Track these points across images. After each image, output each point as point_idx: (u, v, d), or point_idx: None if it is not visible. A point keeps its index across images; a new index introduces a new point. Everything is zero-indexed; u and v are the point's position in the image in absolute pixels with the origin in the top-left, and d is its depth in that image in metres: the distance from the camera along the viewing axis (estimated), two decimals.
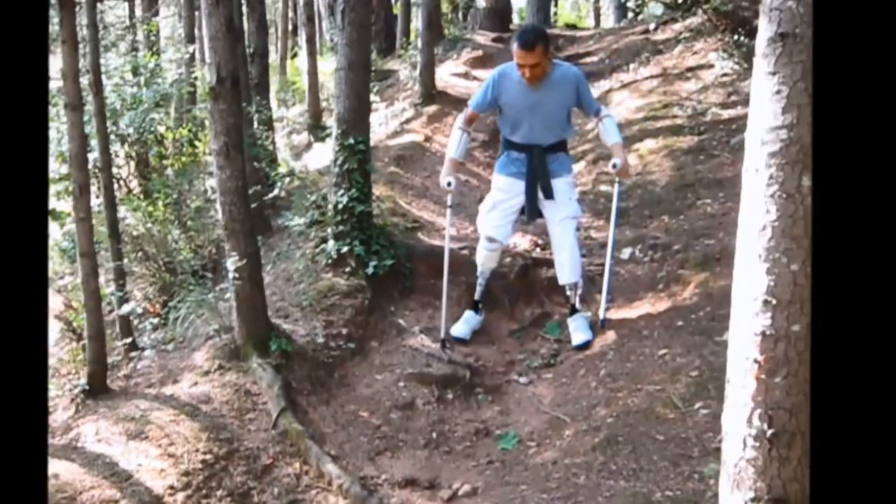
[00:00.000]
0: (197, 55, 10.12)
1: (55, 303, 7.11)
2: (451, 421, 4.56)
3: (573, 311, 5.15)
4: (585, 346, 4.94)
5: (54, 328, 5.97)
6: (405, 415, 4.56)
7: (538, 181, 4.99)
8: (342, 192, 5.42)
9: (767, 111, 2.07)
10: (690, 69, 8.96)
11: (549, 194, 4.99)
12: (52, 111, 7.73)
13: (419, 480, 4.08)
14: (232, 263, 4.50)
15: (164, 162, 8.32)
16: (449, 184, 5.09)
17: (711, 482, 3.36)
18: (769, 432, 1.92)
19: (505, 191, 5.09)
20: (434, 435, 4.44)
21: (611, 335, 4.94)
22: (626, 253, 5.81)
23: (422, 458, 4.28)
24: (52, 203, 7.74)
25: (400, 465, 4.23)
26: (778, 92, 2.06)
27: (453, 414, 4.62)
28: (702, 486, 3.38)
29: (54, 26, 5.10)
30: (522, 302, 5.49)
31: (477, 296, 5.31)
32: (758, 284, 1.95)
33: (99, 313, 4.89)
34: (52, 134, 7.68)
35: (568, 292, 5.17)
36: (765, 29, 2.06)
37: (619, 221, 5.31)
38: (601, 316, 5.05)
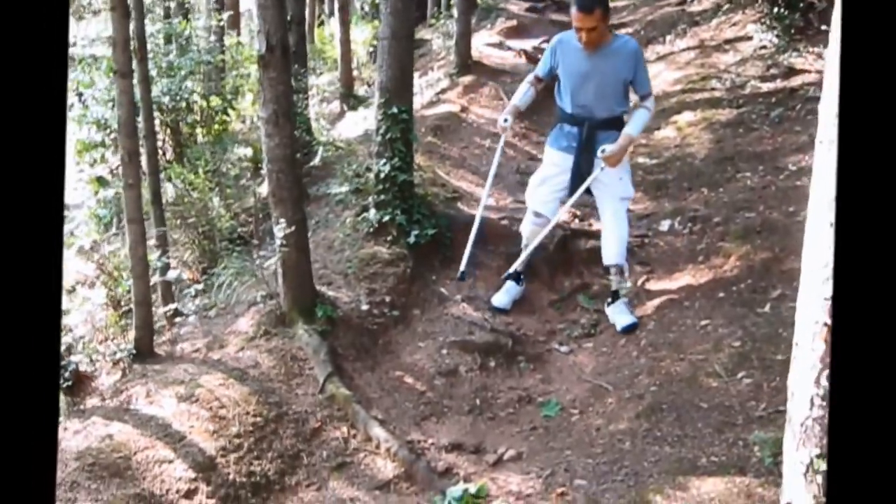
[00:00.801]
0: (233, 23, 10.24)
1: (88, 270, 7.31)
2: (494, 388, 4.70)
3: (615, 297, 5.15)
4: (632, 328, 4.93)
5: (100, 294, 6.14)
6: (449, 381, 4.71)
7: (583, 158, 4.97)
8: (384, 161, 5.55)
9: None
10: (728, 41, 8.98)
11: (588, 171, 4.95)
12: (86, 77, 7.91)
13: (465, 445, 4.23)
14: (279, 230, 4.64)
15: (197, 130, 8.47)
16: (506, 120, 5.13)
17: (756, 449, 3.49)
18: None
19: (556, 164, 5.10)
20: (477, 401, 4.59)
21: (651, 305, 5.06)
22: (664, 225, 5.91)
23: (466, 423, 4.44)
24: (87, 170, 7.94)
25: (445, 430, 4.38)
26: None
27: (496, 381, 4.76)
28: (747, 453, 3.51)
29: None
30: (562, 273, 5.60)
31: (519, 266, 5.31)
32: (827, 253, 2.06)
33: (146, 279, 5.06)
34: (88, 101, 7.86)
35: (611, 277, 5.17)
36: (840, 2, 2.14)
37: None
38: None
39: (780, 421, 3.43)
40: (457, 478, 3.96)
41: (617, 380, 4.47)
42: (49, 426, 1.45)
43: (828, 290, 2.04)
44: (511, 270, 5.22)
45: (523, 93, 5.25)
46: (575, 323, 5.22)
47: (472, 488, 3.79)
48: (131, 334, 5.12)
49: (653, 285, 5.32)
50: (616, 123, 5.00)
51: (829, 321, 2.04)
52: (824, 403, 2.05)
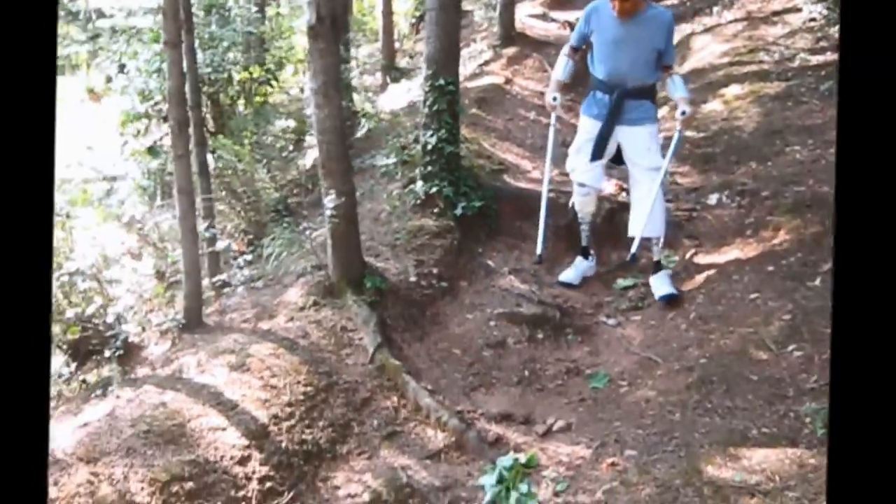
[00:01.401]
0: None
1: (132, 241, 7.47)
2: (542, 360, 4.78)
3: (657, 266, 5.21)
4: (671, 298, 4.98)
5: (147, 265, 6.29)
6: (497, 353, 4.79)
7: (610, 124, 5.06)
8: (431, 132, 5.61)
9: None
10: (776, 13, 8.90)
11: (609, 136, 5.06)
12: (129, 49, 8.03)
13: (514, 415, 4.32)
14: (329, 201, 4.73)
15: (238, 102, 8.58)
16: (554, 98, 5.26)
17: (808, 420, 3.54)
18: None
19: (588, 131, 5.18)
20: (526, 373, 4.67)
21: (700, 279, 5.10)
22: (713, 199, 5.92)
23: (515, 394, 4.52)
24: (131, 141, 8.08)
25: (494, 400, 4.47)
26: None
27: (544, 353, 4.84)
28: (798, 424, 3.56)
29: None
30: (609, 246, 5.63)
31: (583, 241, 5.46)
32: None
33: (196, 249, 5.18)
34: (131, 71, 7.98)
35: (654, 248, 5.22)
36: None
37: (669, 165, 5.28)
38: (633, 249, 5.00)
39: None
40: (507, 448, 4.04)
41: (665, 352, 4.53)
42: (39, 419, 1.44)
43: None
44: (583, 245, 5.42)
45: (563, 66, 5.34)
46: (622, 296, 5.27)
47: (523, 458, 3.87)
48: (179, 304, 5.26)
49: (701, 259, 5.35)
50: (646, 92, 5.10)
51: None
52: None
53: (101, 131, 8.61)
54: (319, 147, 4.83)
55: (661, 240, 5.23)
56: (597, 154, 5.12)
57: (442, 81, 5.58)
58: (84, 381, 5.28)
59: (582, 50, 5.30)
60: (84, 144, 8.03)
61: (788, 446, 3.41)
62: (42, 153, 1.41)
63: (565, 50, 5.38)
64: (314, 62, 4.71)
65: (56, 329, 5.53)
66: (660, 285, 5.12)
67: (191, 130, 6.16)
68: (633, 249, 5.10)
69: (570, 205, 5.53)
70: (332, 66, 4.73)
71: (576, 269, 5.44)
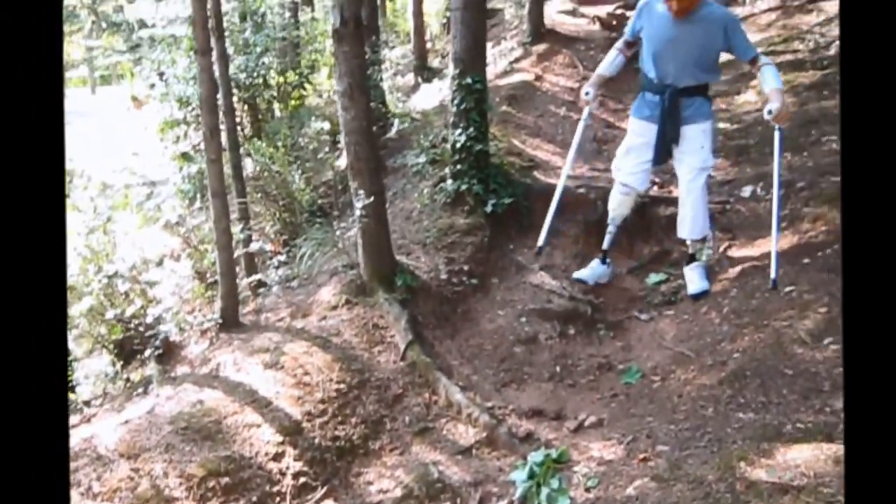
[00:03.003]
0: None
1: (175, 244, 7.54)
2: (574, 355, 4.72)
3: (691, 259, 5.13)
4: (702, 295, 4.91)
5: (186, 266, 6.34)
6: (528, 349, 4.74)
7: (668, 125, 4.89)
8: (460, 131, 5.57)
9: None
10: (811, 0, 8.72)
11: (675, 139, 4.90)
12: (167, 57, 8.11)
13: (545, 411, 4.27)
14: (359, 201, 4.71)
15: (274, 106, 8.62)
16: (587, 93, 5.11)
17: (843, 415, 3.43)
18: None
19: (639, 134, 5.04)
20: (557, 369, 4.61)
21: (733, 272, 4.99)
22: (746, 191, 5.81)
23: (546, 390, 4.47)
24: (170, 147, 8.15)
25: (526, 396, 4.42)
26: None
27: (575, 349, 4.77)
28: (833, 419, 3.45)
29: None
30: (641, 240, 5.56)
31: (605, 244, 5.31)
32: None
33: (230, 250, 5.20)
34: (170, 79, 8.06)
35: (688, 243, 5.14)
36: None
37: (781, 172, 4.97)
38: (772, 275, 4.63)
39: None
40: (538, 443, 3.99)
41: (699, 347, 4.44)
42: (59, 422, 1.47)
43: None
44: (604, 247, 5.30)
45: (611, 60, 5.21)
46: (655, 290, 5.18)
47: (554, 453, 3.82)
48: (217, 304, 5.28)
49: (735, 252, 5.24)
50: (701, 90, 4.92)
51: None
52: None
53: (144, 137, 8.72)
54: (347, 148, 4.82)
55: (711, 238, 5.17)
56: (659, 158, 5.00)
57: (469, 80, 5.53)
58: (128, 379, 5.34)
59: (635, 44, 5.16)
60: (129, 150, 8.13)
61: (824, 441, 3.30)
62: (53, 159, 1.41)
63: (618, 44, 5.22)
64: (339, 65, 4.70)
65: (102, 329, 5.60)
66: (693, 278, 5.04)
67: (224, 135, 6.21)
68: (690, 250, 5.12)
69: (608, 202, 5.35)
70: (358, 69, 4.70)
71: (592, 271, 5.30)
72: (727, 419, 3.70)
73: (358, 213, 4.75)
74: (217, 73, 6.26)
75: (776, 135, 4.92)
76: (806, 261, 4.74)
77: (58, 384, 1.46)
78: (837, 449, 3.22)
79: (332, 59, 4.80)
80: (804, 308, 4.30)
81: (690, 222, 4.99)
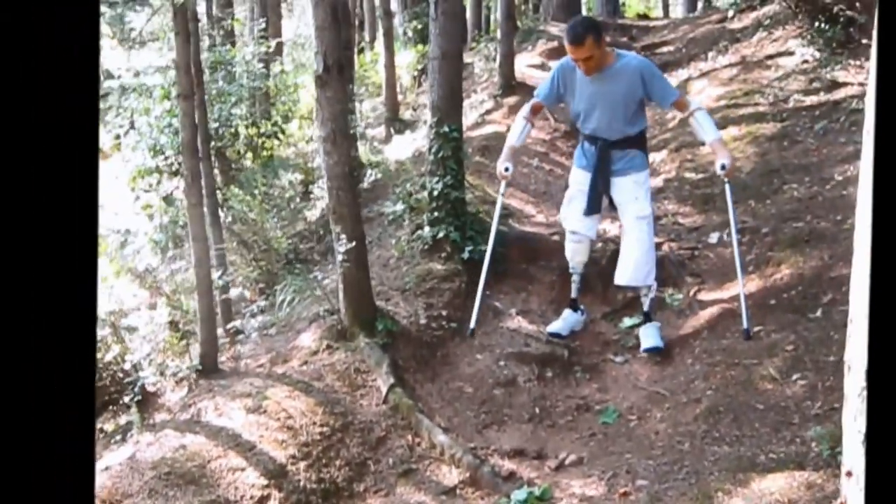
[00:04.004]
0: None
1: (144, 295, 7.62)
2: (552, 397, 4.90)
3: (646, 318, 5.24)
4: (655, 350, 5.03)
5: (163, 314, 6.42)
6: (507, 391, 4.91)
7: (599, 177, 5.05)
8: (437, 179, 5.79)
9: None
10: (770, 57, 9.16)
11: (607, 190, 5.07)
12: (139, 105, 8.28)
13: (527, 451, 4.42)
14: (341, 246, 4.89)
15: (247, 155, 8.80)
16: (507, 169, 5.25)
17: (814, 444, 3.65)
18: None
19: (580, 183, 5.20)
20: (537, 410, 4.78)
21: (704, 315, 5.23)
22: (713, 237, 6.09)
23: (527, 431, 4.63)
24: (143, 196, 8.28)
25: (507, 437, 4.58)
26: None
27: (553, 391, 4.95)
28: (804, 449, 3.68)
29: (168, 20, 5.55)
30: (614, 286, 5.75)
31: (573, 293, 5.45)
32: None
33: (210, 296, 5.33)
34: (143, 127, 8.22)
35: (643, 299, 5.26)
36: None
37: (737, 221, 5.28)
38: (744, 325, 4.83)
39: (836, 417, 3.59)
40: (520, 482, 4.13)
41: (673, 386, 4.65)
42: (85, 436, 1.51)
43: None
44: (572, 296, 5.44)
45: (519, 131, 5.35)
46: (628, 334, 5.39)
47: (537, 491, 3.98)
48: (194, 351, 5.38)
49: (704, 296, 5.49)
50: (632, 142, 5.06)
51: None
52: None
53: (111, 188, 8.83)
54: (329, 193, 5.00)
55: (652, 289, 5.24)
56: (591, 208, 5.13)
57: (446, 129, 5.77)
58: (101, 429, 5.39)
59: (549, 107, 5.47)
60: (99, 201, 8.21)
61: (796, 469, 3.52)
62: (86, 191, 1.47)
63: (524, 111, 5.37)
64: (322, 110, 4.91)
65: None
66: (646, 336, 5.13)
67: (202, 181, 6.37)
68: (645, 307, 5.23)
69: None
70: (341, 114, 4.92)
71: (564, 321, 5.38)
72: (703, 453, 3.91)
73: (340, 257, 4.92)
74: (196, 119, 6.46)
75: (727, 188, 5.19)
76: (772, 302, 4.99)
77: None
78: (809, 475, 3.44)
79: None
80: (772, 347, 4.55)
81: (632, 269, 5.08)
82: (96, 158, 1.52)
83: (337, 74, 4.84)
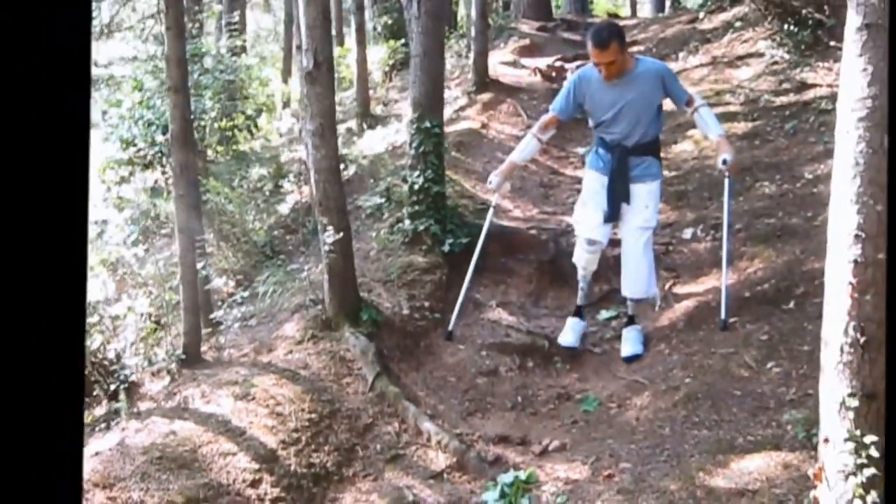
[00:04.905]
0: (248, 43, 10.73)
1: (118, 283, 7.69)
2: (534, 386, 5.13)
3: (630, 320, 5.40)
4: (634, 359, 5.18)
5: (143, 304, 6.53)
6: (490, 381, 5.14)
7: (617, 183, 5.12)
8: (418, 173, 6.01)
9: (856, 85, 2.69)
10: (740, 57, 9.51)
11: (625, 198, 5.12)
12: (111, 96, 8.38)
13: (511, 437, 4.65)
14: (328, 237, 5.08)
15: (218, 149, 8.93)
16: (491, 182, 5.37)
17: (789, 427, 3.93)
18: (861, 340, 2.53)
19: (595, 187, 5.24)
20: (519, 399, 5.02)
21: (680, 307, 5.50)
22: (687, 233, 6.37)
23: (510, 418, 4.87)
24: (111, 189, 8.37)
25: (491, 424, 4.81)
26: (864, 70, 2.71)
27: (535, 380, 5.19)
28: (780, 432, 3.94)
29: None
30: (591, 279, 6.02)
31: (579, 300, 5.55)
32: (850, 222, 2.57)
33: (195, 286, 5.47)
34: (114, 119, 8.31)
35: (629, 303, 5.41)
36: (853, 20, 2.73)
37: (731, 220, 5.41)
38: (722, 316, 5.03)
39: (811, 403, 3.91)
40: (506, 467, 4.35)
41: (652, 375, 4.91)
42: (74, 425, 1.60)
43: (851, 254, 2.52)
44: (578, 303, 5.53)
45: (524, 147, 5.47)
46: (606, 326, 5.65)
47: (523, 475, 4.18)
48: (170, 342, 5.51)
49: (679, 289, 5.76)
50: (648, 148, 5.18)
51: (853, 280, 2.52)
52: (852, 350, 2.54)
53: None
54: (316, 186, 5.19)
55: (657, 297, 5.43)
56: (613, 215, 5.19)
57: (428, 124, 5.99)
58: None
59: (567, 121, 5.49)
60: None
61: (773, 451, 3.78)
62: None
63: (535, 128, 5.44)
64: (311, 105, 5.10)
65: None
66: (629, 338, 5.31)
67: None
68: (630, 311, 5.40)
69: (573, 259, 5.51)
70: (329, 109, 5.12)
71: (573, 332, 5.44)
72: (683, 437, 4.16)
73: (326, 248, 5.10)
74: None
75: (726, 182, 5.28)
76: (747, 294, 5.27)
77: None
78: (785, 456, 3.71)
79: (305, 99, 5.17)
80: (747, 337, 4.82)
81: (633, 281, 5.23)
82: (87, 154, 1.58)
83: (326, 71, 5.04)
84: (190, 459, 4.23)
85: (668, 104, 5.32)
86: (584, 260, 5.39)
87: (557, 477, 4.23)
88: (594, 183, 5.26)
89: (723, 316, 5.03)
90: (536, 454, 4.51)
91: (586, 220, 5.28)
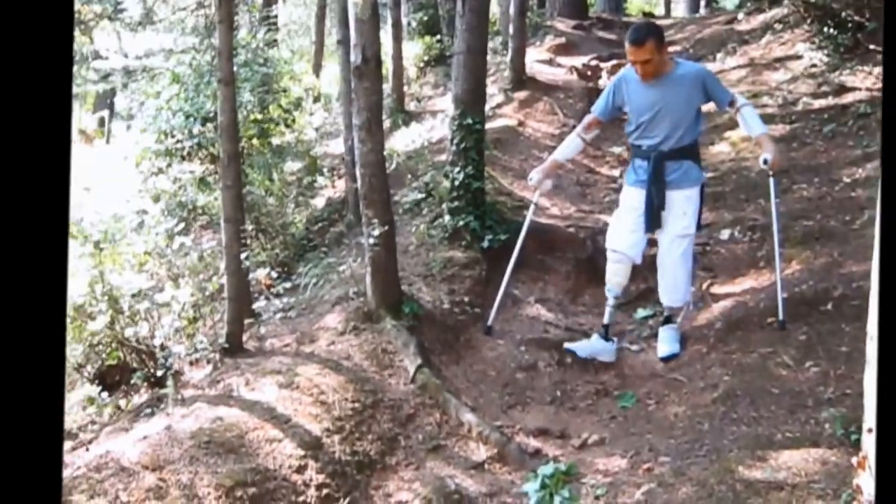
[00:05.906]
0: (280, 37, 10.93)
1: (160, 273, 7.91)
2: (572, 382, 5.31)
3: (667, 320, 5.47)
4: (671, 358, 5.28)
5: (185, 293, 6.74)
6: (529, 375, 5.32)
7: (654, 190, 5.12)
8: (458, 169, 6.19)
9: None
10: (778, 59, 9.64)
11: (662, 204, 5.13)
12: (150, 88, 8.60)
13: (550, 431, 4.83)
14: (373, 230, 5.26)
15: (254, 141, 9.13)
16: (531, 178, 5.50)
17: (827, 425, 4.08)
18: None
19: (631, 201, 5.27)
20: (558, 393, 5.20)
21: (717, 307, 5.66)
22: (724, 234, 6.53)
23: (549, 412, 5.04)
24: (148, 179, 8.58)
25: (531, 417, 4.98)
26: None
27: (573, 376, 5.37)
28: (818, 429, 4.09)
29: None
30: (621, 294, 6.15)
31: (605, 318, 5.47)
32: None
33: (240, 275, 5.68)
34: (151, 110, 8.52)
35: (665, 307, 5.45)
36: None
37: (779, 218, 5.40)
38: (780, 316, 5.09)
39: (848, 402, 4.08)
40: (546, 459, 4.53)
41: (690, 373, 5.07)
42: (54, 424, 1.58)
43: None
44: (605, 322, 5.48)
45: (568, 145, 5.61)
46: (643, 324, 5.81)
47: (563, 466, 4.36)
48: (215, 331, 5.70)
49: (717, 289, 5.92)
50: (686, 152, 5.18)
51: None
52: None
53: (107, 171, 9.13)
54: (362, 179, 5.37)
55: (689, 302, 5.49)
56: (650, 224, 5.19)
57: (470, 120, 6.17)
58: (118, 406, 5.68)
59: (607, 122, 5.58)
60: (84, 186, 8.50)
61: (811, 447, 3.93)
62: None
63: (579, 128, 5.54)
64: (359, 100, 5.28)
65: (88, 356, 5.94)
66: (665, 338, 5.40)
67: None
68: (666, 312, 5.45)
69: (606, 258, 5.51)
70: (376, 104, 5.31)
71: (591, 347, 5.44)
72: (722, 432, 4.32)
73: (370, 241, 5.29)
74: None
75: (771, 182, 5.34)
76: (784, 295, 5.42)
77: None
78: (824, 452, 3.86)
79: (353, 93, 5.32)
80: (785, 336, 4.97)
81: (671, 290, 5.30)
82: (68, 148, 1.60)
83: (374, 66, 5.22)
84: (237, 445, 4.40)
85: (705, 106, 5.40)
86: (609, 270, 5.43)
87: (597, 469, 4.40)
88: (630, 199, 5.30)
89: (780, 316, 5.08)
90: (576, 447, 4.68)
91: (617, 231, 5.35)
